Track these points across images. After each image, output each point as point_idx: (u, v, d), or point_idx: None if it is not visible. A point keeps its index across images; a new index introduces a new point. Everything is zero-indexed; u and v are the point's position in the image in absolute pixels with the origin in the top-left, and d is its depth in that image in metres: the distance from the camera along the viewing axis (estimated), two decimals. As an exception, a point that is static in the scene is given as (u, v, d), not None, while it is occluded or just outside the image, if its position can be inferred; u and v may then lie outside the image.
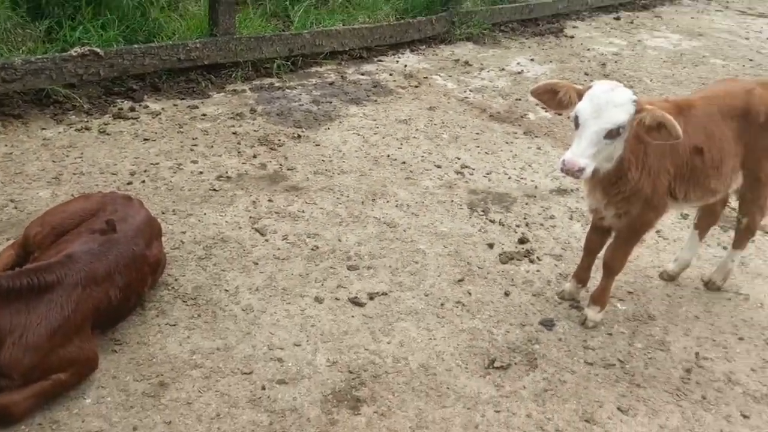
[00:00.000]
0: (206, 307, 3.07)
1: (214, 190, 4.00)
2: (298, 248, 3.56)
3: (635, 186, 2.86)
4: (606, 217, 3.03)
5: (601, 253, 3.26)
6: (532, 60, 7.04)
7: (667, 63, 7.44)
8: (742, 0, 11.21)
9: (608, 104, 2.60)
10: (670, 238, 4.07)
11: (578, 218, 4.16)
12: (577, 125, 2.68)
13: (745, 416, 2.79)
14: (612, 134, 2.62)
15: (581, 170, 2.59)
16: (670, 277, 3.67)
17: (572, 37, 8.02)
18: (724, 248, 3.92)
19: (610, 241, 3.21)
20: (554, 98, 2.82)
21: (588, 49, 7.60)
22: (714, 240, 4.07)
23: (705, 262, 3.83)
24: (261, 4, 6.41)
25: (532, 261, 3.69)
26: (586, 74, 6.76)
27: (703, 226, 3.60)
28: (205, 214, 3.76)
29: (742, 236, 3.53)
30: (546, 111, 5.67)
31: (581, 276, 3.38)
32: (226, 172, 4.20)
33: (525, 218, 4.10)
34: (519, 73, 6.62)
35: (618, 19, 9.06)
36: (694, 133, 2.92)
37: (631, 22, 8.97)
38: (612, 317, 3.31)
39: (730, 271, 3.61)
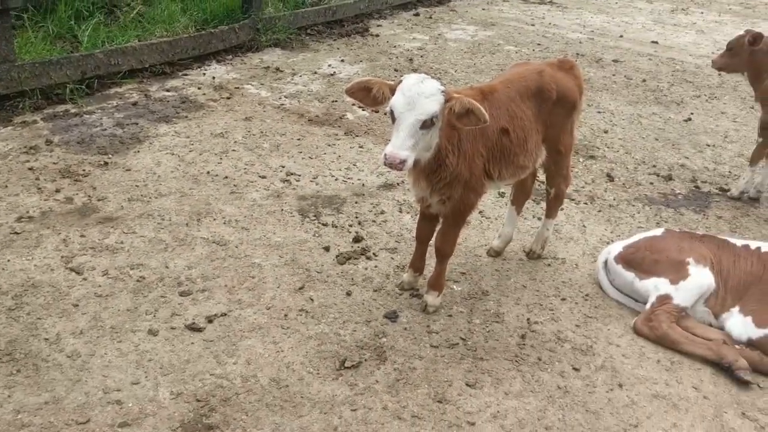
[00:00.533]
0: (25, 360, 2.79)
1: (16, 233, 3.64)
2: (121, 282, 3.36)
3: (454, 171, 3.04)
4: (432, 204, 3.21)
5: (433, 240, 3.44)
6: (342, 61, 7.22)
7: (468, 53, 8.01)
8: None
9: (419, 96, 2.75)
10: (492, 217, 4.40)
11: (407, 210, 4.35)
12: (393, 119, 2.81)
13: (576, 369, 3.10)
14: (427, 124, 2.78)
15: (403, 162, 2.72)
16: (496, 253, 3.97)
17: (377, 35, 8.35)
18: (539, 219, 4.31)
19: (439, 227, 3.40)
20: (369, 95, 2.94)
21: (394, 46, 7.95)
22: (529, 213, 4.46)
23: (525, 234, 4.19)
24: (42, 26, 5.92)
25: (368, 258, 3.80)
26: (396, 70, 7.07)
27: (518, 201, 3.94)
28: (8, 260, 3.41)
29: (552, 206, 3.92)
30: (363, 109, 5.86)
31: (417, 265, 3.55)
32: (27, 212, 3.84)
33: (357, 217, 4.20)
34: (332, 75, 6.77)
35: (417, 15, 9.58)
36: (499, 116, 3.17)
37: (430, 17, 9.53)
38: (450, 299, 3.51)
39: (546, 239, 3.99)
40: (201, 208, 4.10)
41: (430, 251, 3.51)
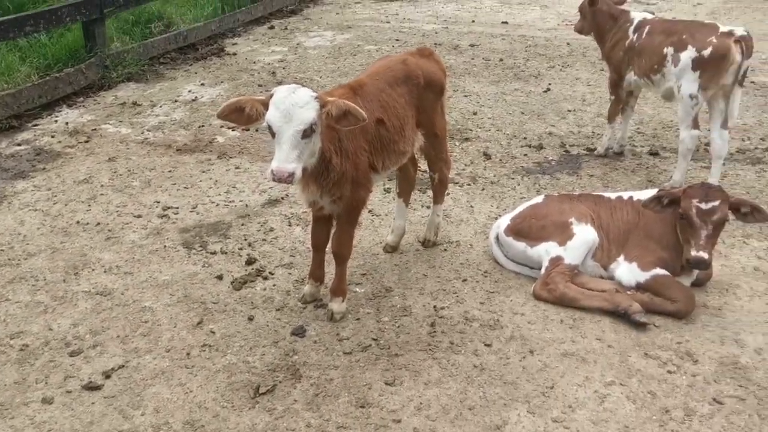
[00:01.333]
0: None
1: None
2: (3, 355, 3.10)
3: (341, 170, 3.09)
4: (324, 205, 3.23)
5: (329, 247, 3.43)
6: (202, 85, 7.05)
7: (330, 58, 8.05)
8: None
9: (294, 107, 2.76)
10: (382, 214, 4.45)
11: (297, 222, 4.30)
12: (273, 134, 2.80)
13: (487, 345, 3.19)
14: (307, 133, 2.78)
15: (291, 175, 2.73)
16: (392, 248, 4.01)
17: (235, 54, 8.22)
18: (428, 207, 4.40)
19: (334, 232, 3.38)
20: (242, 115, 2.91)
21: (254, 62, 7.86)
22: (417, 203, 4.55)
23: (417, 225, 4.26)
24: None
25: (265, 278, 3.72)
26: (260, 85, 6.99)
27: (404, 193, 4.00)
28: None
29: (438, 191, 4.01)
30: (233, 130, 5.75)
31: (317, 274, 3.53)
32: None
33: (246, 239, 4.11)
34: (194, 100, 6.59)
35: (272, 28, 9.53)
36: (372, 108, 3.22)
37: (286, 28, 9.51)
38: (355, 302, 3.50)
39: (438, 225, 4.08)
40: (77, 261, 3.86)
41: (328, 259, 3.50)
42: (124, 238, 4.11)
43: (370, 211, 4.45)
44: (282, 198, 4.63)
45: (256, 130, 5.69)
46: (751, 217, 3.36)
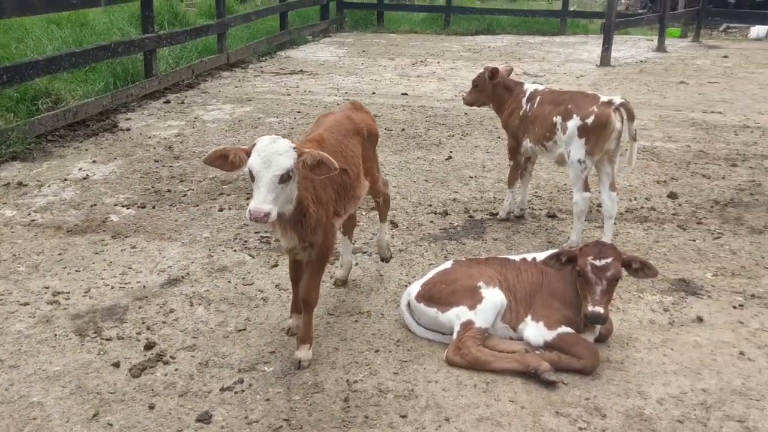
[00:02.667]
0: None
1: None
2: None
3: (317, 217, 3.42)
4: (299, 252, 3.52)
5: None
6: (94, 162, 6.86)
7: (229, 131, 8.07)
8: (272, 63, 12.86)
9: (274, 154, 3.09)
10: (289, 288, 4.41)
11: (198, 302, 4.20)
12: (252, 178, 3.12)
13: (403, 416, 3.19)
14: (284, 178, 3.10)
15: (267, 215, 3.03)
16: (342, 282, 4.43)
17: (128, 129, 8.09)
18: (331, 276, 4.43)
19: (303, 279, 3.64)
20: (227, 162, 3.23)
21: (149, 137, 7.76)
22: (327, 276, 4.55)
23: (326, 297, 4.25)
24: None
25: (166, 362, 3.58)
26: (156, 161, 6.89)
27: (348, 231, 4.38)
28: None
29: (383, 210, 4.57)
30: (128, 208, 5.59)
31: (299, 306, 3.71)
32: None
33: (144, 322, 3.96)
34: (84, 178, 6.39)
35: (168, 102, 9.47)
36: (336, 159, 3.42)
37: (182, 102, 9.48)
38: (264, 382, 3.42)
39: (387, 242, 4.61)
40: (-48, 357, 3.57)
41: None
42: (8, 329, 3.86)
43: (276, 286, 4.41)
44: (182, 277, 4.52)
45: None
46: (641, 273, 3.60)
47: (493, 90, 5.50)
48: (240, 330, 3.90)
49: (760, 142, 7.92)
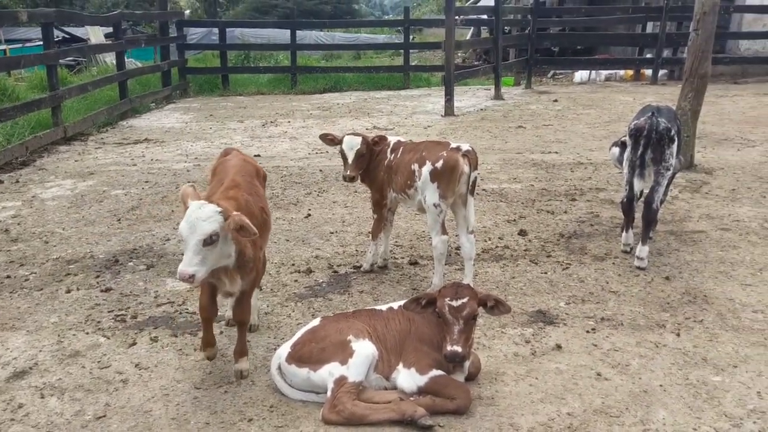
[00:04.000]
0: None
1: None
2: None
3: (254, 258, 3.89)
4: (232, 290, 3.90)
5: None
6: None
7: (72, 208, 7.67)
8: (114, 133, 12.43)
9: (198, 220, 3.43)
10: (150, 366, 4.22)
11: (51, 392, 3.91)
12: (183, 242, 3.48)
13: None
14: (208, 242, 3.46)
15: (192, 276, 3.42)
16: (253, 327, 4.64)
17: (-45, 214, 7.46)
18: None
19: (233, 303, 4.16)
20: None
21: (-20, 222, 7.19)
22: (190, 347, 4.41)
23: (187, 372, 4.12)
24: None
25: (17, 465, 3.29)
26: (-10, 247, 6.39)
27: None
28: None
29: (259, 274, 4.52)
30: (-41, 301, 5.12)
31: (211, 341, 4.07)
32: None
33: (-13, 425, 3.62)
34: None
35: (1, 182, 8.85)
36: (255, 200, 4.10)
37: (17, 182, 8.90)
38: (131, 470, 3.23)
39: (258, 308, 4.93)
40: None
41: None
42: None
43: (137, 365, 4.21)
44: (30, 368, 4.19)
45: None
46: (496, 310, 3.82)
47: (370, 155, 5.55)
48: (99, 417, 3.68)
49: (594, 177, 8.74)
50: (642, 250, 5.70)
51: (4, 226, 7.01)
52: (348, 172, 5.45)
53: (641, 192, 5.94)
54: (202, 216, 3.46)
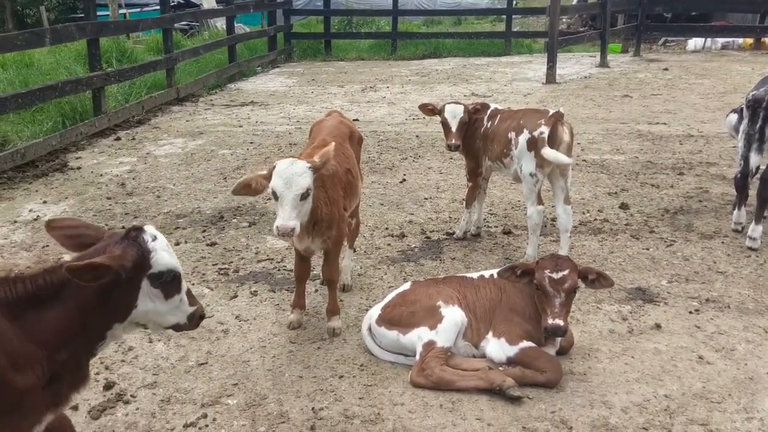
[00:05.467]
0: None
1: None
2: None
3: (330, 218, 3.90)
4: (316, 249, 4.05)
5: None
6: (45, 202, 6.70)
7: (183, 165, 7.99)
8: (223, 96, 12.82)
9: (293, 176, 3.52)
10: (250, 318, 4.35)
11: (158, 338, 4.10)
12: (276, 198, 3.57)
13: (371, 440, 3.16)
14: (304, 196, 3.57)
15: (293, 230, 3.51)
16: (345, 287, 4.72)
17: (79, 168, 7.93)
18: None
19: (323, 262, 4.23)
20: (251, 189, 3.68)
21: (101, 175, 7.62)
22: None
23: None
24: None
25: (127, 402, 3.49)
26: (109, 198, 6.76)
27: (351, 237, 4.82)
28: None
29: (354, 235, 4.72)
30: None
31: (301, 303, 4.23)
32: None
33: (102, 362, 3.84)
34: (35, 219, 6.22)
35: (119, 139, 9.34)
36: (340, 161, 4.07)
37: (133, 139, 9.35)
38: (228, 416, 3.36)
39: (352, 269, 4.87)
40: None
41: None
42: None
43: (237, 317, 4.35)
44: (140, 314, 4.41)
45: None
46: (597, 284, 3.66)
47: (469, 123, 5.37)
48: (201, 364, 3.83)
49: (704, 150, 8.20)
50: (755, 230, 5.30)
51: (121, 180, 7.40)
52: (453, 141, 5.31)
53: (757, 168, 5.49)
54: (297, 171, 3.55)
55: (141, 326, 2.60)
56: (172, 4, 17.21)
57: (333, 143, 3.89)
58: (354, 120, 10.16)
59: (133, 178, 7.49)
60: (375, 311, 3.93)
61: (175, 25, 13.40)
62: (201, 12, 18.08)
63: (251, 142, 9.02)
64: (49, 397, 2.33)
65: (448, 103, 5.41)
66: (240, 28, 17.83)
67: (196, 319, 2.63)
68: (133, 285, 2.40)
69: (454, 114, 5.29)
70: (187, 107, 11.64)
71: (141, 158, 8.36)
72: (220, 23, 19.13)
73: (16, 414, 2.23)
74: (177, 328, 2.63)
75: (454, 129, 5.30)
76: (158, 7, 13.00)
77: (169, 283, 2.48)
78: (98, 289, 2.31)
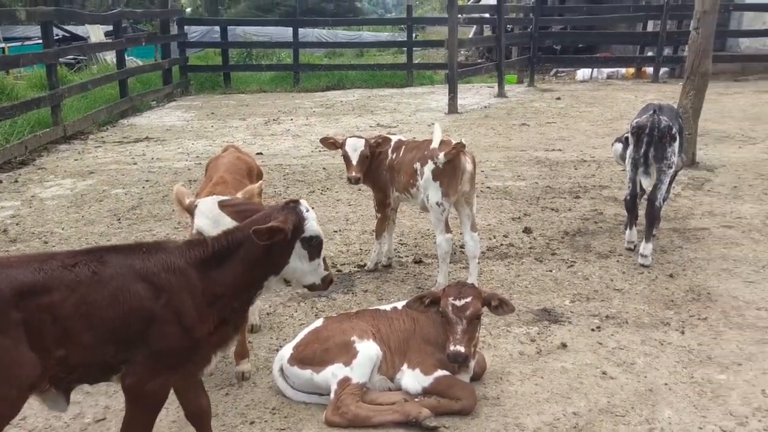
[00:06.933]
0: None
1: None
2: None
3: None
4: None
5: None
6: None
7: (72, 207, 7.64)
8: (115, 132, 12.39)
9: (221, 216, 3.40)
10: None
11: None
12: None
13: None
14: None
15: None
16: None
17: (-45, 214, 7.43)
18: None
19: None
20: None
21: (-19, 221, 7.16)
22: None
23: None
24: None
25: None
26: (-9, 246, 6.37)
27: None
28: None
29: None
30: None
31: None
32: None
33: (-13, 426, 3.59)
34: None
35: (0, 182, 8.82)
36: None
37: (16, 181, 8.86)
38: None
39: (259, 308, 4.80)
40: None
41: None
42: None
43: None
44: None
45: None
46: (500, 310, 3.78)
47: (372, 156, 5.48)
48: (99, 420, 3.66)
49: (597, 174, 8.69)
50: (646, 248, 5.66)
51: (3, 227, 6.98)
52: (353, 174, 5.40)
53: (645, 190, 5.89)
54: (207, 208, 3.57)
55: (286, 282, 3.15)
56: (57, 37, 16.54)
57: (261, 182, 4.04)
58: (257, 154, 10.13)
59: (17, 224, 7.09)
60: (286, 351, 3.88)
61: (61, 59, 12.90)
62: (88, 46, 17.43)
63: (147, 180, 8.76)
64: (218, 339, 2.95)
65: (350, 137, 5.50)
66: (132, 61, 17.34)
67: (327, 282, 3.19)
68: (289, 245, 2.99)
69: (355, 147, 5.40)
70: (75, 145, 11.17)
71: (25, 201, 7.93)
72: (110, 57, 18.57)
73: (193, 356, 2.88)
74: (312, 287, 3.18)
75: (354, 162, 5.40)
76: (40, 41, 12.47)
77: (314, 246, 3.05)
78: (264, 247, 2.89)
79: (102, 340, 2.68)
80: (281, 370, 3.86)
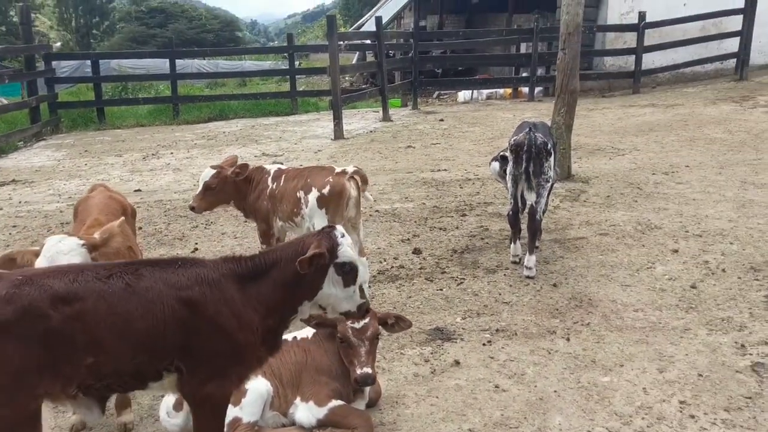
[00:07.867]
0: None
1: None
2: None
3: None
4: None
5: None
6: None
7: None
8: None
9: (59, 254, 3.25)
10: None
11: None
12: None
13: None
14: None
15: None
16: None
17: None
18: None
19: None
20: (14, 265, 3.29)
21: None
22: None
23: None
24: None
25: None
26: None
27: None
28: None
29: None
30: None
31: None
32: None
33: None
34: None
35: None
36: (124, 238, 3.88)
37: None
38: None
39: None
40: None
41: None
42: None
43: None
44: None
45: None
46: (397, 327, 3.82)
47: (235, 185, 5.49)
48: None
49: (482, 192, 8.98)
50: (529, 260, 5.88)
51: None
52: (191, 203, 5.62)
53: (526, 204, 6.14)
54: (64, 249, 3.30)
55: (321, 309, 3.13)
56: None
57: (121, 218, 3.86)
58: (136, 191, 9.76)
59: None
60: (171, 396, 3.71)
61: None
62: (-56, 85, 16.32)
63: (14, 226, 8.21)
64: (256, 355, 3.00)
65: (208, 167, 5.58)
66: (-5, 100, 16.36)
67: (363, 310, 3.15)
68: (322, 270, 2.99)
69: (203, 177, 5.54)
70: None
71: None
72: (-30, 96, 17.42)
73: (239, 364, 2.95)
74: (348, 314, 3.16)
75: (197, 191, 5.55)
76: None
77: (348, 273, 3.02)
78: (296, 270, 2.89)
79: (134, 349, 2.74)
80: (168, 415, 3.67)
